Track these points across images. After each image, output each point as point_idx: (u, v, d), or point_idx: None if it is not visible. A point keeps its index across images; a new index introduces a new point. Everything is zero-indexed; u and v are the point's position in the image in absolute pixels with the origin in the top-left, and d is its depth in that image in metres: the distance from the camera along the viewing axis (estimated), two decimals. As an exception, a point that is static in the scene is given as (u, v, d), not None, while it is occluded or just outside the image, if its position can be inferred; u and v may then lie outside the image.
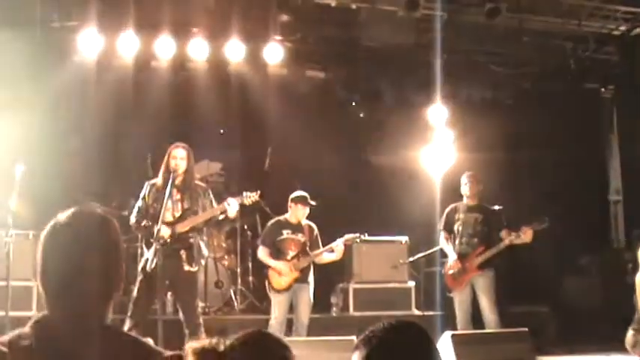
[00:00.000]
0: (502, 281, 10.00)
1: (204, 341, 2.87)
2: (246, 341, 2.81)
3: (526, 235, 9.51)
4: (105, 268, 2.64)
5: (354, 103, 13.73)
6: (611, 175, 13.62)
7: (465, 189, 10.02)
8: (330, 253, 9.57)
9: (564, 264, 12.66)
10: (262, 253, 9.66)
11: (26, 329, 2.54)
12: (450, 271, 9.87)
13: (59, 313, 2.55)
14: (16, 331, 2.55)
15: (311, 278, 9.57)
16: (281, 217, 9.76)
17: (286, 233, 9.56)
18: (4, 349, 2.44)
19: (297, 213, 9.57)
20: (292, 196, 9.63)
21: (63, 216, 2.67)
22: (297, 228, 9.60)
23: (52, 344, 2.47)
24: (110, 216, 2.79)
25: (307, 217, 9.70)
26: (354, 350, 2.71)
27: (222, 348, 2.83)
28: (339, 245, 9.50)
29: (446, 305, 10.20)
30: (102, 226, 2.70)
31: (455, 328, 9.47)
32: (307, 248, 9.57)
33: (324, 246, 9.62)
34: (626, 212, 13.54)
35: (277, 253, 9.53)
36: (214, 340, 2.76)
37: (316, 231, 9.71)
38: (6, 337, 2.51)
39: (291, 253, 9.50)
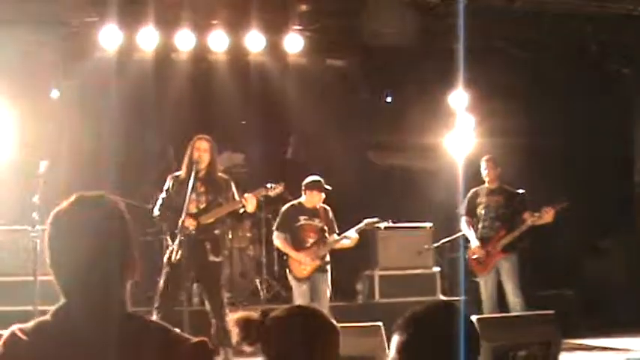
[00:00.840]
0: (527, 265, 10.02)
1: (246, 313, 2.90)
2: (290, 313, 2.86)
3: (548, 215, 9.51)
4: (114, 252, 2.58)
5: (389, 99, 13.72)
6: (635, 156, 13.53)
7: (485, 173, 10.04)
8: (346, 240, 9.52)
9: (588, 247, 12.63)
10: (279, 240, 9.55)
11: (47, 317, 2.53)
12: (474, 256, 9.89)
13: (76, 302, 2.53)
14: (37, 320, 2.54)
15: (329, 266, 9.53)
16: (296, 202, 9.61)
17: (303, 219, 9.44)
18: (24, 337, 2.45)
19: (313, 199, 9.44)
20: (306, 181, 9.48)
21: (65, 203, 2.61)
22: (313, 213, 9.47)
23: (73, 332, 2.46)
24: (118, 200, 2.70)
25: (331, 205, 9.67)
26: (393, 333, 2.73)
27: (264, 319, 2.87)
28: (353, 234, 9.46)
29: (471, 290, 10.21)
30: (105, 209, 2.63)
31: (481, 313, 9.48)
32: (325, 233, 9.51)
33: (338, 228, 9.57)
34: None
35: (295, 240, 9.43)
36: (256, 313, 2.80)
37: (331, 214, 9.60)
38: (27, 326, 2.50)
39: (310, 241, 9.43)
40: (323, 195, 9.46)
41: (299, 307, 2.74)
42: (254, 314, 2.99)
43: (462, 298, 10.35)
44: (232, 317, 2.92)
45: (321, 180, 9.48)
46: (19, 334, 2.46)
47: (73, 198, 2.62)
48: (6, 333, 2.47)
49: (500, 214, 9.88)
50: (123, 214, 2.66)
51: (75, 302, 2.54)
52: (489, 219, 9.91)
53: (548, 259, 11.82)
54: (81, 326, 2.48)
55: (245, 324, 2.97)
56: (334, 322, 3.03)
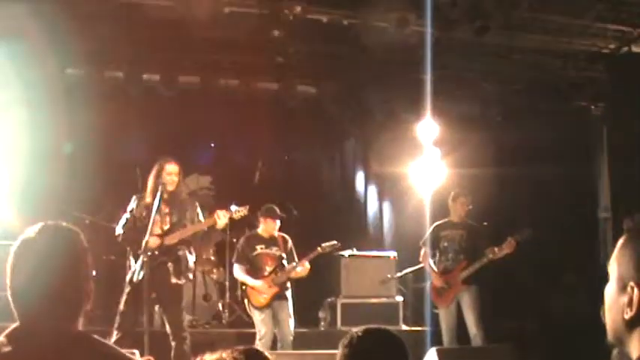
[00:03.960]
0: (490, 297, 10.05)
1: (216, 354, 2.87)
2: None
3: (509, 246, 9.57)
4: (72, 279, 2.70)
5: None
6: (600, 192, 13.64)
7: (455, 208, 10.08)
8: (300, 267, 9.54)
9: (552, 281, 12.68)
10: (238, 271, 9.62)
11: (1, 338, 2.59)
12: (437, 286, 9.92)
13: (29, 324, 2.61)
14: None
15: (289, 293, 9.54)
16: (253, 232, 9.74)
17: (260, 248, 9.53)
18: None
19: (268, 227, 9.55)
20: (262, 210, 9.60)
21: (31, 231, 2.74)
22: (270, 242, 9.56)
23: (27, 353, 2.52)
24: (78, 230, 2.86)
25: (297, 232, 9.70)
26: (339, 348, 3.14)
27: None
28: (305, 263, 9.49)
29: (433, 321, 10.22)
30: (68, 239, 2.77)
31: (442, 344, 9.50)
32: (284, 261, 9.54)
33: (300, 255, 9.60)
34: (614, 230, 13.56)
35: (253, 269, 9.50)
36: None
37: (290, 243, 9.68)
38: None
39: (267, 269, 9.47)
40: (278, 222, 9.52)
41: (246, 350, 2.71)
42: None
43: (425, 328, 10.38)
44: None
45: (275, 208, 9.55)
46: None
47: (37, 226, 2.76)
48: None
49: (462, 247, 9.93)
50: (83, 245, 2.81)
51: (26, 325, 2.62)
52: (452, 251, 9.96)
53: (511, 291, 11.85)
54: (32, 348, 2.55)
55: None
56: None
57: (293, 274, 9.57)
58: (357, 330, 3.23)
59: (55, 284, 2.64)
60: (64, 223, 2.83)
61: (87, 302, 2.76)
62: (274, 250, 9.53)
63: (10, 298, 2.68)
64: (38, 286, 2.62)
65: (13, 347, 2.52)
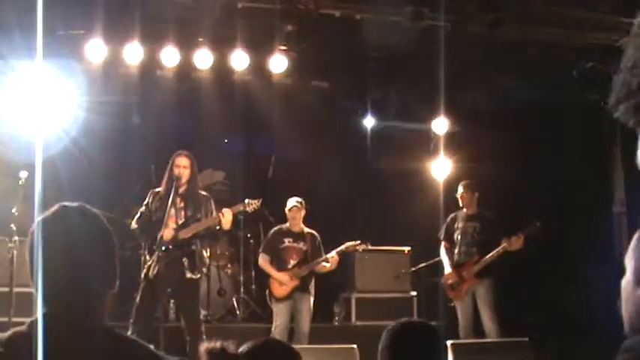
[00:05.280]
0: (505, 291, 10.03)
1: (218, 343, 2.88)
2: (260, 347, 2.85)
3: (518, 242, 9.55)
4: (95, 262, 2.58)
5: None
6: (615, 186, 13.58)
7: (460, 197, 10.08)
8: (325, 263, 9.64)
9: (568, 275, 12.65)
10: (263, 261, 9.81)
11: (23, 328, 2.51)
12: (448, 282, 9.92)
13: (55, 313, 2.51)
14: (12, 330, 2.53)
15: (311, 287, 9.63)
16: (283, 226, 9.88)
17: (287, 242, 9.67)
18: (0, 348, 2.43)
19: (295, 218, 9.71)
20: (287, 204, 9.75)
21: (48, 212, 2.60)
22: (298, 237, 9.69)
23: (50, 344, 2.42)
24: (103, 214, 2.71)
25: (312, 227, 9.77)
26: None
27: (235, 350, 2.85)
28: (333, 256, 9.57)
29: (447, 315, 10.21)
30: (88, 219, 2.63)
31: (457, 338, 9.49)
32: (308, 257, 9.64)
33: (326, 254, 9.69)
34: (629, 224, 13.50)
35: (278, 261, 9.65)
36: (227, 343, 2.78)
37: (318, 240, 9.77)
38: (3, 335, 2.49)
39: (292, 262, 9.59)
40: (303, 212, 9.60)
41: (265, 340, 2.73)
42: (230, 344, 2.94)
43: (440, 322, 10.37)
44: (206, 345, 2.87)
45: (299, 199, 9.63)
46: None
47: (55, 207, 2.61)
48: None
49: (475, 240, 9.92)
50: (106, 225, 2.66)
51: (54, 313, 2.51)
52: (465, 244, 9.96)
53: (528, 285, 11.83)
54: (59, 338, 2.46)
55: (219, 356, 2.91)
56: (298, 353, 3.03)
57: (320, 269, 9.63)
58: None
59: (78, 266, 2.52)
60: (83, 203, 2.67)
61: (113, 285, 2.66)
62: (301, 245, 9.70)
63: (32, 285, 2.55)
64: (61, 269, 2.51)
65: (34, 336, 2.47)
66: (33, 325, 2.49)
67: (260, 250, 10.05)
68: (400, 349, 3.25)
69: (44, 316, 2.50)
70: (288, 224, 9.84)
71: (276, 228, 9.98)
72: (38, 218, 2.61)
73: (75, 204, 2.66)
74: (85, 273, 2.54)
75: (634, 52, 1.79)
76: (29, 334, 2.47)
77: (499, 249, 9.64)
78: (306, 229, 9.81)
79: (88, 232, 2.60)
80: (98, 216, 2.68)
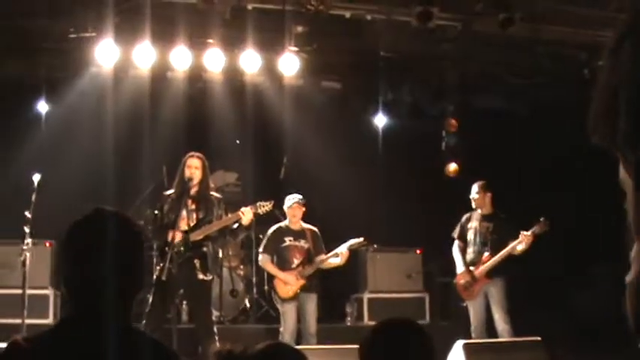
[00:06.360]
0: (517, 290, 10.01)
1: (227, 345, 2.90)
2: (266, 352, 2.86)
3: (527, 240, 9.54)
4: (127, 265, 2.64)
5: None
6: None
7: (473, 197, 10.07)
8: (335, 258, 9.56)
9: (579, 273, 12.62)
10: (264, 261, 9.69)
11: (52, 328, 2.57)
12: (460, 281, 9.91)
13: (82, 313, 2.56)
14: (40, 331, 2.57)
15: (316, 286, 9.57)
16: (282, 224, 9.78)
17: (288, 240, 9.57)
18: (26, 345, 2.46)
19: (295, 215, 9.60)
20: (285, 200, 9.69)
21: (83, 215, 2.66)
22: (299, 234, 9.60)
23: (75, 344, 2.48)
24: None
25: (323, 226, 9.72)
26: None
27: (244, 354, 2.86)
28: (343, 252, 9.50)
29: (460, 315, 10.21)
30: (122, 223, 2.70)
31: (469, 337, 9.48)
32: (311, 255, 9.57)
33: (326, 250, 9.62)
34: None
35: (281, 261, 9.55)
36: (236, 346, 2.79)
37: (319, 235, 9.71)
38: (30, 335, 2.54)
39: (295, 262, 9.50)
40: (303, 209, 9.54)
41: (272, 344, 2.73)
42: (238, 347, 2.96)
43: (452, 322, 10.38)
44: (214, 348, 2.89)
45: (298, 196, 9.58)
46: (21, 342, 2.47)
47: (90, 211, 2.68)
48: (8, 342, 2.48)
49: (489, 240, 9.91)
50: (139, 228, 2.78)
51: (84, 314, 2.57)
52: (478, 244, 9.95)
53: (540, 284, 11.81)
54: (81, 338, 2.50)
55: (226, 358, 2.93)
56: (305, 357, 3.04)
57: (326, 265, 9.61)
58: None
59: (112, 268, 2.56)
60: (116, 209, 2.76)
61: (140, 287, 2.73)
62: (302, 243, 9.58)
63: (63, 286, 2.62)
64: (94, 270, 2.56)
65: (59, 338, 2.50)
66: (62, 324, 2.57)
67: (260, 250, 9.90)
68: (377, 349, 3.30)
69: (72, 316, 2.57)
70: (287, 222, 9.73)
71: (274, 227, 9.82)
72: (74, 221, 2.68)
73: (108, 208, 2.74)
74: (115, 275, 2.58)
75: (600, 77, 1.82)
76: (58, 334, 2.53)
77: (508, 248, 9.63)
78: (305, 226, 9.71)
79: (123, 235, 2.66)
80: (131, 219, 2.78)
